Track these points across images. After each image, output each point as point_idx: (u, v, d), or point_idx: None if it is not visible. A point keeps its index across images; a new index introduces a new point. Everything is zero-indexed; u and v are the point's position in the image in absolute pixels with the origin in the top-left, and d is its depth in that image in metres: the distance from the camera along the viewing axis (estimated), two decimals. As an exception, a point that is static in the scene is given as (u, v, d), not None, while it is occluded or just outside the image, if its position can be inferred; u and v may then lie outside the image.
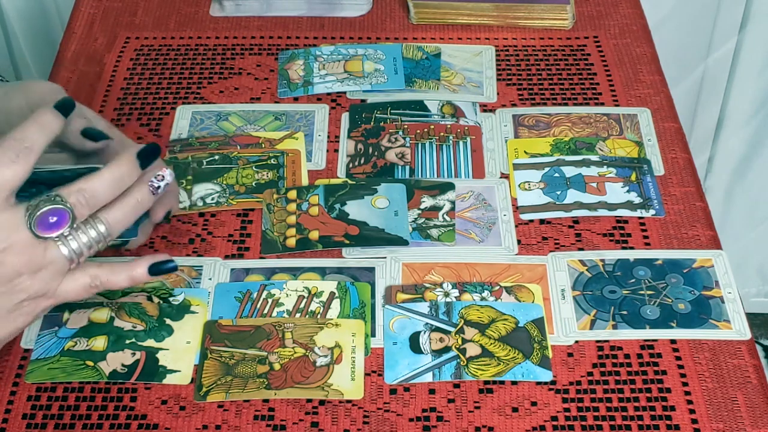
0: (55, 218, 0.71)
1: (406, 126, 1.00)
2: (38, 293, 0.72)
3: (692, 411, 0.77)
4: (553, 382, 0.79)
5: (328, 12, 1.14)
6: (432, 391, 0.79)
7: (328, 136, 0.99)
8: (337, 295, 0.85)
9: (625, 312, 0.84)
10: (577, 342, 0.82)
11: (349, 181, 0.94)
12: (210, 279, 0.86)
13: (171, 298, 0.84)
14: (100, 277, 0.74)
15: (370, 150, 0.98)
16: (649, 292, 0.85)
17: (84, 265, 0.74)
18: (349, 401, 0.78)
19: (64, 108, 0.75)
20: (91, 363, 0.80)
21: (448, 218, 0.91)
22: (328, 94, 1.04)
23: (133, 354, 0.80)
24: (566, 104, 1.03)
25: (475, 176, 0.95)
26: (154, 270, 0.76)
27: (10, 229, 0.70)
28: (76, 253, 0.72)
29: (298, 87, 1.04)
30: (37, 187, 0.73)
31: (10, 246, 0.70)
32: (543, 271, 0.87)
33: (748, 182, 1.76)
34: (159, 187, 0.75)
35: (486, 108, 1.02)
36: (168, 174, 0.76)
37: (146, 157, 0.75)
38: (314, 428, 0.76)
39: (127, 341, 0.81)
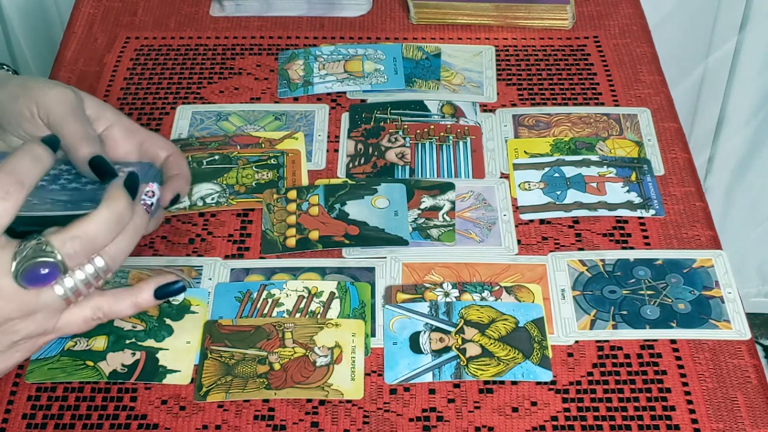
0: (46, 270, 0.65)
1: (406, 126, 1.00)
2: (34, 333, 0.68)
3: (692, 411, 0.77)
4: (553, 382, 0.79)
5: (328, 12, 1.14)
6: (432, 391, 0.79)
7: (328, 136, 0.99)
8: (337, 295, 0.85)
9: (625, 312, 0.84)
10: (577, 342, 0.82)
11: (349, 181, 0.94)
12: (210, 279, 0.86)
13: (171, 298, 0.84)
14: (102, 308, 0.70)
15: (370, 150, 0.98)
16: (649, 292, 0.85)
17: None
18: (349, 401, 0.78)
19: (52, 144, 0.69)
20: (91, 363, 0.80)
21: (448, 218, 0.91)
22: (328, 94, 1.04)
23: (133, 354, 0.80)
24: (566, 104, 1.03)
25: (475, 176, 0.95)
26: (160, 293, 0.72)
27: None
28: (73, 292, 0.67)
29: (298, 87, 1.04)
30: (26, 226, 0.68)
31: None
32: (543, 271, 0.87)
33: (748, 182, 1.76)
34: (152, 204, 0.72)
35: (486, 108, 1.02)
36: (156, 188, 0.73)
37: (133, 187, 0.70)
38: (314, 428, 0.76)
39: (127, 341, 0.81)
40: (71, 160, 0.77)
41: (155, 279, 0.73)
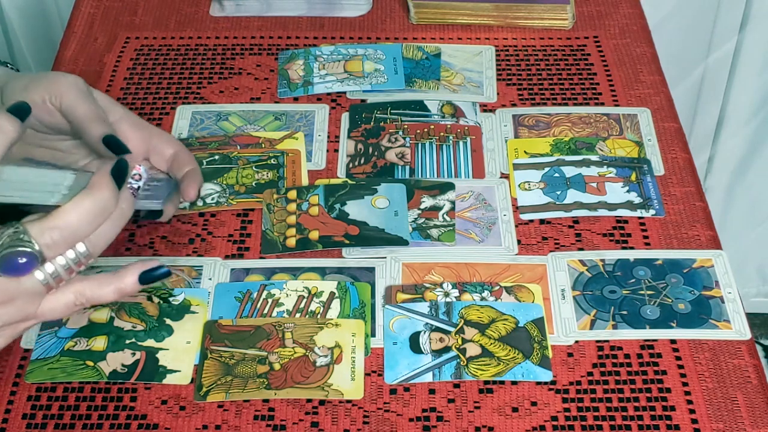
0: (24, 260, 0.64)
1: (406, 126, 1.00)
2: (15, 319, 0.67)
3: (692, 411, 0.77)
4: (553, 382, 0.79)
5: (328, 12, 1.14)
6: (432, 391, 0.79)
7: (328, 136, 0.99)
8: (337, 295, 0.85)
9: (625, 312, 0.84)
10: (577, 342, 0.82)
11: (349, 181, 0.94)
12: (210, 279, 0.86)
13: (171, 298, 0.84)
14: (85, 293, 0.69)
15: (370, 150, 0.98)
16: (649, 292, 0.85)
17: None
18: (349, 401, 0.78)
19: (19, 112, 0.67)
20: (91, 363, 0.80)
21: (448, 218, 0.91)
22: (328, 94, 1.04)
23: (133, 354, 0.80)
24: (566, 104, 1.03)
25: (475, 176, 0.95)
26: (145, 278, 0.71)
27: None
28: (53, 277, 0.66)
29: (298, 87, 1.04)
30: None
31: None
32: (543, 271, 0.87)
33: (748, 182, 1.76)
34: (139, 187, 0.71)
35: (486, 108, 1.02)
36: (143, 171, 0.72)
37: (120, 176, 0.68)
38: (314, 428, 0.76)
39: (127, 341, 0.81)
40: (85, 140, 0.78)
41: (139, 264, 0.71)
